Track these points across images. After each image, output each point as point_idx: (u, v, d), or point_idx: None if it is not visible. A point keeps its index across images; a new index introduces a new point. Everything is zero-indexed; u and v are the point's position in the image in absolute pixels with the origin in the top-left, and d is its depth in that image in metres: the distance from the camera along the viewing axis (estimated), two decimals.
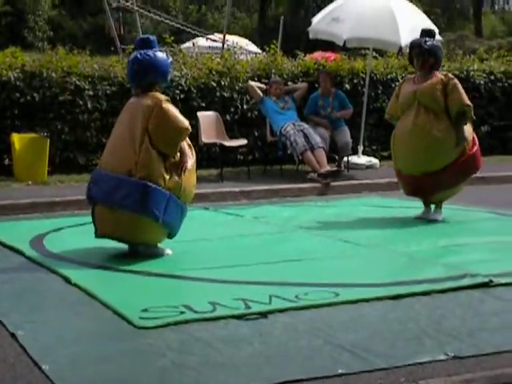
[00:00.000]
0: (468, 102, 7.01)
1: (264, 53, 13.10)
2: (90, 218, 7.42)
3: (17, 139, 9.34)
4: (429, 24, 11.13)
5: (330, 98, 10.50)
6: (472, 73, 12.65)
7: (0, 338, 3.92)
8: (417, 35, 10.77)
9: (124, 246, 5.95)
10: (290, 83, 11.13)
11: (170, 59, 5.97)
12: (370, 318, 4.24)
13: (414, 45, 7.32)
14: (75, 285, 4.92)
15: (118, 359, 3.60)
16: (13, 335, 3.94)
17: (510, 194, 9.20)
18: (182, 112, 11.14)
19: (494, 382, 3.26)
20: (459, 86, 7.11)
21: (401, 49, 10.68)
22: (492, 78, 12.63)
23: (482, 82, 12.51)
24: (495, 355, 3.62)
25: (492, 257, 5.64)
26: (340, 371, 3.41)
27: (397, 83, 11.99)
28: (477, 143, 7.22)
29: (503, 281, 4.90)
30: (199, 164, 10.15)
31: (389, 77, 12.02)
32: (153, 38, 5.93)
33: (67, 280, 5.04)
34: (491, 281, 4.86)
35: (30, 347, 3.74)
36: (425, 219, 7.23)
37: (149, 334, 3.95)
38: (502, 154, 12.31)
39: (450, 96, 6.99)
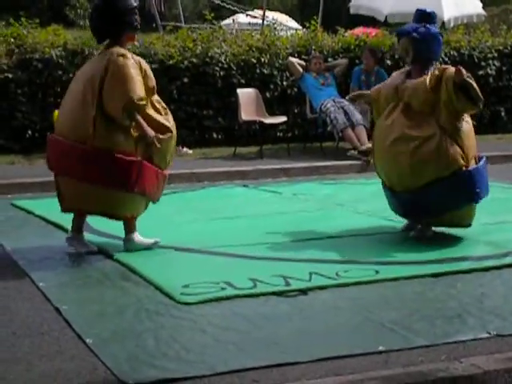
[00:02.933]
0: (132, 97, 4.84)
1: (304, 29, 13.00)
2: None
3: None
4: None
5: (373, 77, 10.37)
6: None
7: (45, 312, 4.00)
8: (461, 9, 10.69)
9: (164, 222, 6.00)
10: (330, 59, 11.04)
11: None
12: (410, 296, 4.22)
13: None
14: (117, 260, 4.98)
15: (159, 334, 3.65)
16: (57, 310, 4.01)
17: None
18: (221, 89, 11.12)
19: None
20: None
21: (443, 24, 10.51)
22: None
23: None
24: None
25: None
26: (380, 348, 3.41)
27: (439, 59, 11.85)
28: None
29: None
30: (239, 141, 10.23)
31: None
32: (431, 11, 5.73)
33: (109, 256, 5.11)
34: None
35: (74, 321, 3.81)
36: None
37: (190, 310, 3.99)
38: None
39: None
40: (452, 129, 5.31)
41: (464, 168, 5.27)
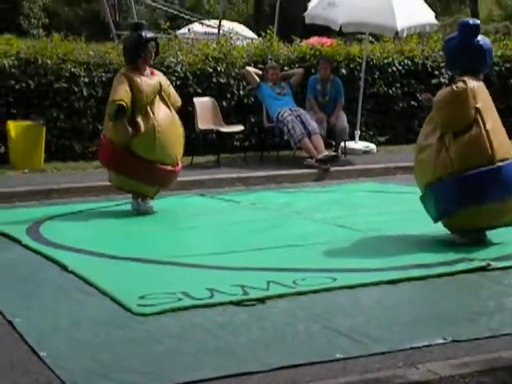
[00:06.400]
0: (111, 99, 6.75)
1: (260, 38, 13.05)
2: (86, 205, 7.46)
3: (12, 127, 9.30)
4: (425, 8, 11.10)
5: (328, 85, 10.45)
6: None
7: None
8: (414, 19, 10.78)
9: (121, 232, 5.94)
10: (286, 68, 11.09)
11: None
12: (367, 303, 4.25)
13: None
14: (72, 272, 4.91)
15: (115, 346, 3.60)
16: (10, 323, 3.93)
17: None
18: None
19: (492, 366, 3.26)
20: None
21: (397, 33, 10.62)
22: None
23: None
24: (493, 339, 3.63)
25: (491, 240, 5.63)
26: (338, 356, 3.41)
27: (393, 68, 11.99)
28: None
29: (500, 265, 4.90)
30: (196, 150, 10.21)
31: (385, 61, 11.97)
32: None
33: (64, 267, 5.03)
34: (489, 264, 4.87)
35: (28, 334, 3.74)
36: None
37: (146, 321, 3.95)
38: None
39: None
40: (448, 139, 5.43)
41: (447, 176, 5.40)
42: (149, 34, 7.02)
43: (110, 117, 6.80)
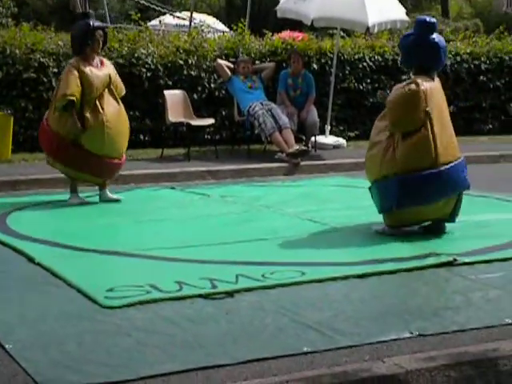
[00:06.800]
0: (62, 92, 6.76)
1: (231, 31, 13.01)
2: (53, 197, 7.39)
3: None
4: (397, 5, 11.15)
5: (300, 79, 10.47)
6: None
7: None
8: (385, 15, 10.85)
9: (89, 224, 5.89)
10: (257, 62, 11.08)
11: None
12: (335, 297, 4.26)
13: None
14: (39, 264, 4.87)
15: (82, 339, 3.57)
16: None
17: (473, 175, 9.27)
18: (148, 90, 11.05)
19: (458, 360, 3.30)
20: None
21: (368, 29, 10.66)
22: (458, 59, 12.70)
23: (448, 63, 12.57)
24: (459, 333, 3.67)
25: (457, 235, 5.70)
26: (305, 349, 3.42)
27: (364, 63, 12.04)
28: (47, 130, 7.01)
29: (467, 260, 4.96)
30: (166, 143, 10.16)
31: (356, 57, 12.02)
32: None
33: (31, 259, 4.98)
34: (455, 259, 4.92)
35: None
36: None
37: (114, 314, 3.92)
38: (467, 134, 12.39)
39: None
40: (397, 139, 5.51)
41: (393, 175, 5.51)
42: (96, 23, 7.04)
43: (58, 109, 6.81)
